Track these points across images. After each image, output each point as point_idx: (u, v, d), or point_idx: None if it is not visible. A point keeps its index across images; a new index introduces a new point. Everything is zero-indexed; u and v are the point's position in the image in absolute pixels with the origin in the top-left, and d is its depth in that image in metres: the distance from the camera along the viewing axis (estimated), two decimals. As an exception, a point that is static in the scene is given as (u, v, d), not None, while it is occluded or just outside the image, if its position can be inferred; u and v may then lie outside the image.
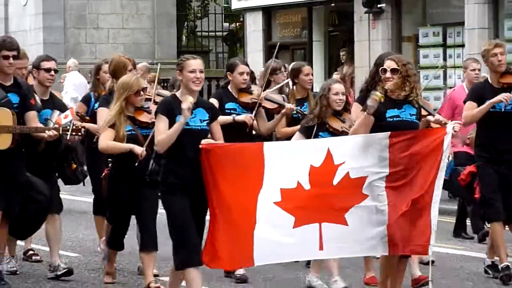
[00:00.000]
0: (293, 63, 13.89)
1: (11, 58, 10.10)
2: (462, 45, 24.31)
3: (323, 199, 8.85)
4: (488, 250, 11.47)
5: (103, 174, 11.14)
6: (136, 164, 10.16)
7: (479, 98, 11.27)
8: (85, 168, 12.87)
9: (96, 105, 11.90)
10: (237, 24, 40.60)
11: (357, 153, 8.95)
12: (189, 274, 8.63)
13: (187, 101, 8.41)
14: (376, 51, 24.31)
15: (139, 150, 10.10)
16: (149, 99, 11.31)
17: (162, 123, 8.65)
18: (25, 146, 10.52)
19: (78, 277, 11.59)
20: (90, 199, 12.59)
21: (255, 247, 8.69)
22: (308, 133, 10.11)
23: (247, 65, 12.28)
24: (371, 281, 10.74)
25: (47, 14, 37.04)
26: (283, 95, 12.57)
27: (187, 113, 8.39)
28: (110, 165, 10.93)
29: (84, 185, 12.70)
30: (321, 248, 8.83)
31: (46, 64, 11.30)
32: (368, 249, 9.18)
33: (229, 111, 11.49)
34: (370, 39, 26.63)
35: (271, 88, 12.51)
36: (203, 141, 8.52)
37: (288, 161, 8.96)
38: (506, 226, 11.69)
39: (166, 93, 12.72)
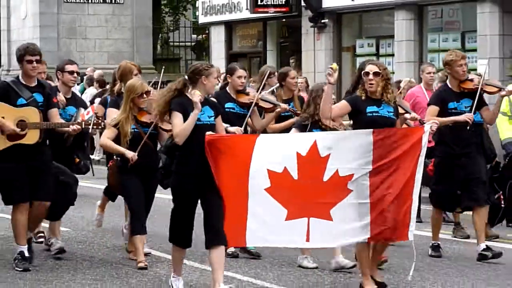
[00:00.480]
0: (281, 68, 13.63)
1: (34, 62, 9.85)
2: (392, 55, 24.38)
3: (313, 194, 8.63)
4: (478, 237, 11.05)
5: (108, 165, 11.06)
6: (129, 166, 10.01)
7: (441, 101, 11.10)
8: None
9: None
10: (203, 36, 40.40)
11: (342, 148, 8.71)
12: (178, 250, 8.65)
13: (196, 95, 8.27)
14: (320, 60, 25.18)
15: (130, 154, 9.92)
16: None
17: (177, 118, 8.41)
18: (52, 139, 10.40)
19: (69, 248, 11.31)
20: (82, 182, 12.19)
21: (248, 230, 8.56)
22: (303, 129, 9.76)
23: (245, 70, 12.09)
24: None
25: (44, 26, 36.76)
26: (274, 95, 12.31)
27: (199, 106, 8.26)
28: (114, 157, 10.73)
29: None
30: (307, 240, 8.67)
31: (69, 67, 11.17)
32: (350, 240, 8.84)
33: (228, 110, 11.18)
34: (315, 49, 26.51)
35: (265, 89, 12.18)
36: (208, 133, 8.39)
37: (276, 147, 8.83)
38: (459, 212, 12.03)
39: None
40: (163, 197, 10.88)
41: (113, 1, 37.81)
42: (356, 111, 9.00)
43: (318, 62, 25.98)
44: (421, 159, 8.69)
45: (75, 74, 11.28)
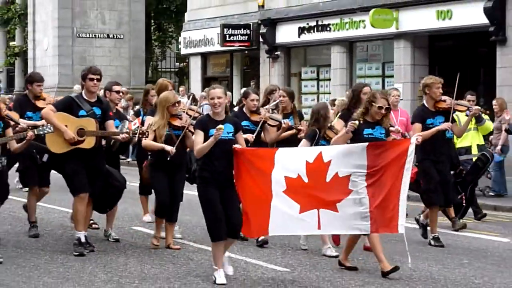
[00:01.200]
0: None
1: (95, 80, 9.59)
2: (329, 79, 24.26)
3: (320, 193, 8.41)
4: (431, 228, 10.74)
5: (143, 164, 10.82)
6: (168, 159, 9.73)
7: (421, 119, 10.60)
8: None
9: (145, 117, 11.10)
10: (184, 64, 39.39)
11: (341, 156, 8.47)
12: (216, 245, 8.17)
13: (219, 129, 7.88)
14: (274, 82, 24.10)
15: (169, 148, 9.62)
16: (183, 111, 10.69)
17: (199, 136, 8.15)
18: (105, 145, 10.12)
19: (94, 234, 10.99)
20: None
21: (270, 223, 8.37)
22: (312, 140, 9.51)
23: (257, 94, 11.65)
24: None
25: (61, 56, 35.86)
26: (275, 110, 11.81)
27: (217, 136, 7.84)
28: (149, 157, 10.43)
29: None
30: (319, 227, 8.51)
31: (116, 88, 10.70)
32: (353, 230, 8.65)
33: (245, 127, 10.46)
34: (270, 75, 26.06)
35: (270, 103, 11.60)
36: (236, 146, 8.19)
37: (290, 158, 8.59)
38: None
39: (195, 108, 12.35)
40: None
41: (114, 37, 37.12)
42: (355, 133, 8.77)
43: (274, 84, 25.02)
44: (408, 165, 8.46)
45: (121, 93, 10.70)
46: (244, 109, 11.13)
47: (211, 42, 28.12)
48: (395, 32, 21.93)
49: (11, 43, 42.50)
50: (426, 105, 10.77)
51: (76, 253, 9.39)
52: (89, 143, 9.27)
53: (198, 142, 8.11)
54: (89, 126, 9.29)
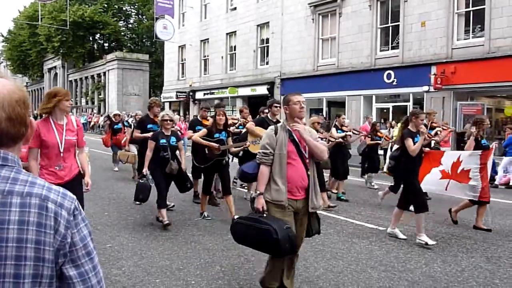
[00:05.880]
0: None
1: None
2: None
3: (454, 177, 7.17)
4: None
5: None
6: None
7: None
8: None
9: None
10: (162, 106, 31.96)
11: (468, 157, 7.12)
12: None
13: (424, 130, 6.27)
14: (194, 114, 24.99)
15: None
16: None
17: (409, 141, 6.09)
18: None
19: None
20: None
21: (423, 182, 7.10)
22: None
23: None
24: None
25: (118, 102, 39.26)
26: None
27: (423, 137, 6.17)
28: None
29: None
30: (446, 189, 7.27)
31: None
32: (466, 196, 7.21)
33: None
34: (194, 110, 27.05)
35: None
36: (426, 149, 6.94)
37: (447, 158, 7.30)
38: None
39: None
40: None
41: (137, 95, 40.26)
42: (476, 142, 7.32)
43: (192, 114, 25.87)
44: (489, 162, 7.07)
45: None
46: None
47: (172, 97, 30.36)
48: (236, 95, 24.11)
49: (99, 96, 45.09)
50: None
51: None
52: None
53: (410, 145, 6.07)
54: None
